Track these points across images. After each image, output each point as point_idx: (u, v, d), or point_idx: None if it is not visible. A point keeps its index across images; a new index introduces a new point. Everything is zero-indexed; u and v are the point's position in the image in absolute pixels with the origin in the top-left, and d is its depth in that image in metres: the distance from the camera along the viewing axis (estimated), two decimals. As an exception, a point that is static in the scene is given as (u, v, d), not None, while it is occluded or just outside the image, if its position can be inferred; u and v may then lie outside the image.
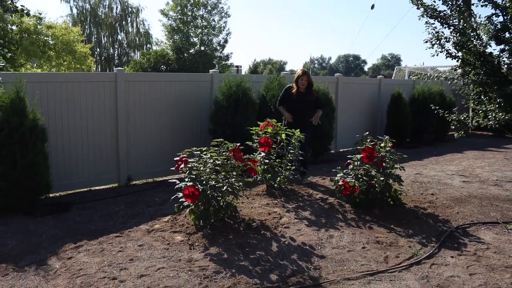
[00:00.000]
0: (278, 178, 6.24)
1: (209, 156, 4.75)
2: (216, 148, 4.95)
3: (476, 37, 4.86)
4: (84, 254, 4.32)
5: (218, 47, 23.28)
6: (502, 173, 7.84)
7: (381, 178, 5.31)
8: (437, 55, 5.25)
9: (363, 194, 5.43)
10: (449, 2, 4.98)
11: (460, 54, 4.94)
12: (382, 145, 5.63)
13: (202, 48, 21.93)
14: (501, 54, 4.96)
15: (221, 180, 4.73)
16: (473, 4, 5.10)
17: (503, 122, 5.32)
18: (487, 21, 5.06)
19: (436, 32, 4.97)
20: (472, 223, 5.22)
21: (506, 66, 4.93)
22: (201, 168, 4.73)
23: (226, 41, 24.26)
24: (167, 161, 7.63)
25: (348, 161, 5.64)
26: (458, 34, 4.88)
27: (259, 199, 5.92)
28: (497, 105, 4.94)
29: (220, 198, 4.76)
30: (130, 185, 7.25)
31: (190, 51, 21.09)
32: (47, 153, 5.79)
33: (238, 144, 5.04)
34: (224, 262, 4.09)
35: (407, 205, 5.77)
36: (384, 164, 5.42)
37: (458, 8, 4.90)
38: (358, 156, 5.40)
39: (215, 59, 22.79)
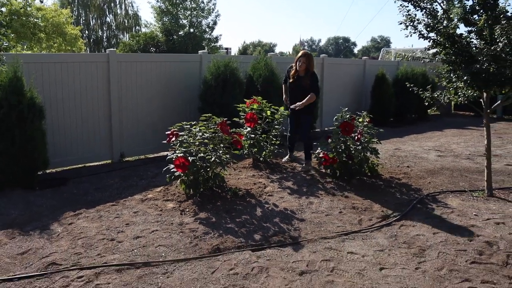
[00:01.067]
0: (264, 152, 6.62)
1: (198, 129, 5.10)
2: (205, 122, 5.30)
3: (446, 19, 5.22)
4: (83, 220, 4.68)
5: (207, 29, 23.45)
6: (475, 148, 8.31)
7: (360, 150, 5.71)
8: (411, 36, 5.61)
9: (342, 166, 5.84)
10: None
11: (431, 35, 5.30)
12: (360, 120, 6.03)
13: (191, 30, 22.05)
14: (470, 35, 5.33)
15: (209, 152, 5.09)
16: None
17: (472, 99, 5.71)
18: (458, 4, 5.41)
19: (409, 15, 5.32)
20: (442, 191, 5.67)
21: (474, 46, 5.30)
22: (191, 141, 5.08)
23: (215, 23, 24.43)
24: (158, 139, 7.95)
25: (329, 135, 6.03)
26: (429, 16, 5.24)
27: (246, 171, 6.31)
28: (464, 83, 5.33)
29: (208, 168, 5.14)
30: (123, 161, 7.58)
31: (179, 33, 21.21)
32: (45, 130, 6.08)
33: (225, 118, 5.39)
34: (212, 225, 4.49)
35: (383, 176, 6.20)
36: (362, 138, 5.82)
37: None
38: (338, 130, 5.79)
39: (204, 41, 22.97)
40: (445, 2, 5.31)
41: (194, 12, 22.13)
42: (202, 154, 5.05)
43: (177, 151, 5.08)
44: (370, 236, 4.33)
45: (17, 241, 4.18)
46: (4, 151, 5.70)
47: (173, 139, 5.17)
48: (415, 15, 5.37)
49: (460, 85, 5.57)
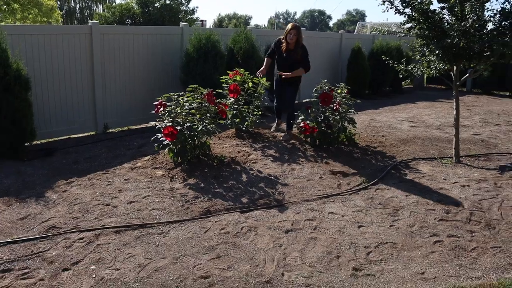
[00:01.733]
0: (246, 123, 6.86)
1: (185, 100, 5.30)
2: (192, 93, 5.51)
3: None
4: (77, 188, 4.88)
5: (183, 1, 23.12)
6: (445, 119, 8.79)
7: (338, 119, 6.03)
8: (387, 11, 5.88)
9: (321, 135, 6.16)
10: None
11: (406, 10, 5.59)
12: (339, 91, 6.33)
13: (167, 2, 21.72)
14: (442, 11, 5.64)
15: (196, 122, 5.31)
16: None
17: (443, 72, 6.08)
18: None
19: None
20: (414, 158, 6.08)
21: (446, 22, 5.62)
22: (178, 111, 5.29)
23: (191, -6, 24.14)
24: (140, 110, 8.13)
25: (308, 105, 6.32)
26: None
27: (229, 140, 6.56)
28: (436, 56, 5.67)
29: (195, 138, 5.37)
30: (107, 132, 7.71)
31: (155, 5, 20.89)
32: (31, 101, 6.16)
33: (211, 89, 5.60)
34: (202, 190, 4.76)
35: (359, 145, 6.57)
36: (340, 108, 6.13)
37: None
38: (318, 101, 6.08)
39: (180, 13, 22.70)
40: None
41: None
42: (189, 124, 5.26)
43: (165, 121, 5.28)
44: (348, 198, 4.69)
45: (15, 207, 4.36)
46: (-8, 123, 5.79)
47: (161, 109, 5.36)
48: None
49: (432, 59, 5.92)
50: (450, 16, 5.67)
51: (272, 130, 7.17)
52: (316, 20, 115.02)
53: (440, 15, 5.64)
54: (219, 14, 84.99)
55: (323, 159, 5.88)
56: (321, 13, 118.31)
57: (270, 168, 5.47)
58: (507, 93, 13.90)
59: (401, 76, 6.44)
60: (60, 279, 3.16)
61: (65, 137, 7.27)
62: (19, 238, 3.73)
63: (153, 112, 5.45)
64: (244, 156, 5.83)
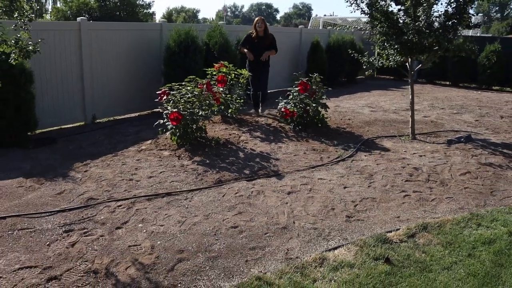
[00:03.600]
0: (230, 110, 7.68)
1: (188, 88, 6.05)
2: (191, 83, 6.26)
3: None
4: (95, 168, 5.52)
5: (139, -5, 23.37)
6: (399, 105, 10.04)
7: (314, 105, 7.01)
8: (354, 11, 6.89)
9: (299, 118, 7.11)
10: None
11: (371, 12, 6.61)
12: (313, 80, 7.29)
13: (124, -5, 21.90)
14: (399, 13, 6.72)
15: (197, 108, 6.08)
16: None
17: (400, 63, 7.18)
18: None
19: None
20: (378, 136, 7.18)
21: (402, 21, 6.70)
22: (184, 99, 6.02)
23: (147, -12, 24.32)
24: (125, 101, 8.73)
25: (288, 92, 7.25)
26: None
27: (218, 125, 7.36)
28: (394, 50, 6.74)
29: (196, 122, 6.13)
30: (95, 123, 8.24)
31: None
32: (34, 93, 6.65)
33: (208, 79, 6.38)
34: (208, 165, 5.56)
35: (331, 126, 7.59)
36: (315, 95, 7.10)
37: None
38: (296, 88, 7.02)
39: (137, 7, 22.90)
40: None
41: (126, -23, 21.91)
42: (191, 110, 6.02)
43: (169, 107, 6.01)
44: (331, 168, 5.67)
45: (48, 185, 4.96)
46: (1, 114, 6.24)
47: (164, 97, 6.08)
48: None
49: (391, 52, 7.00)
50: (405, 17, 6.75)
51: (253, 115, 8.05)
52: (264, 13, 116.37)
53: (397, 16, 6.71)
54: (168, 8, 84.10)
55: (303, 138, 6.83)
56: (268, 6, 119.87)
57: (261, 147, 6.34)
58: (447, 82, 15.52)
59: (365, 67, 7.48)
60: (117, 234, 3.88)
61: (56, 127, 7.74)
62: (66, 207, 4.38)
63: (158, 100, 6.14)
64: (235, 138, 6.67)
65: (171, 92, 6.07)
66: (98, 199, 4.60)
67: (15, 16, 4.40)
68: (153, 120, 8.11)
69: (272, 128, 7.33)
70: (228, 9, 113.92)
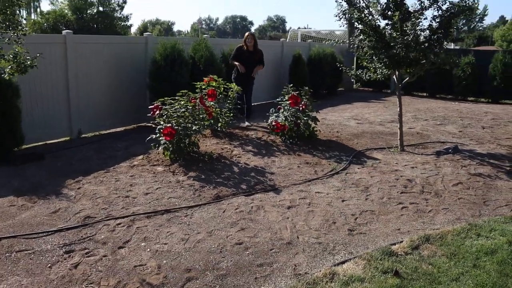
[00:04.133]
0: (220, 124, 7.66)
1: (182, 103, 6.01)
2: (184, 98, 6.21)
3: (369, 14, 6.68)
4: (88, 185, 5.39)
5: (117, 8, 23.13)
6: (383, 117, 10.22)
7: (305, 118, 7.06)
8: (343, 26, 7.01)
9: (290, 131, 7.14)
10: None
11: (360, 26, 6.74)
12: (303, 94, 7.35)
13: (101, 8, 21.65)
14: (386, 27, 6.88)
15: (190, 123, 6.04)
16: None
17: (386, 76, 7.33)
18: (375, 1, 6.90)
19: (344, 10, 6.69)
20: (368, 148, 7.27)
21: (389, 35, 6.84)
22: (177, 114, 5.97)
23: (124, 1, 24.16)
24: (109, 116, 8.61)
25: (279, 106, 7.28)
26: (357, 11, 6.66)
27: (209, 140, 7.32)
28: (382, 64, 6.87)
29: (189, 136, 6.08)
30: (81, 138, 8.08)
31: (89, 12, 20.74)
32: (20, 108, 6.47)
33: (202, 94, 6.35)
34: (204, 180, 5.51)
35: (321, 139, 7.65)
36: (306, 108, 7.16)
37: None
38: (287, 102, 7.06)
39: (114, 20, 22.68)
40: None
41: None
42: (184, 124, 5.97)
43: (162, 122, 5.95)
44: (326, 181, 5.70)
45: (41, 204, 4.81)
46: (-14, 129, 6.05)
47: (157, 112, 6.01)
48: (347, 9, 6.76)
49: (378, 66, 7.14)
50: (392, 31, 6.90)
51: (243, 129, 8.06)
52: (239, 25, 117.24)
53: (385, 30, 6.86)
54: (144, 20, 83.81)
55: (295, 152, 6.86)
56: (243, 18, 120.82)
57: (255, 161, 6.33)
58: (425, 94, 15.92)
59: (353, 80, 7.60)
60: (120, 254, 3.79)
61: (41, 143, 7.54)
62: (64, 227, 4.26)
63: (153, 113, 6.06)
64: (228, 152, 6.64)
65: (164, 107, 6.01)
66: (95, 217, 4.49)
67: (9, 30, 4.31)
68: (140, 135, 8.05)
69: (263, 141, 7.34)
70: (203, 22, 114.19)
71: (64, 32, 7.92)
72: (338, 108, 11.76)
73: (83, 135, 8.19)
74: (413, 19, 6.45)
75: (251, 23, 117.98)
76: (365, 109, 11.52)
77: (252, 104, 12.24)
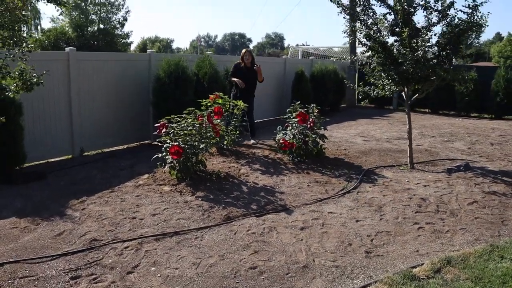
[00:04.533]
0: (226, 141, 7.52)
1: (189, 121, 5.87)
2: (191, 115, 6.09)
3: (377, 30, 6.61)
4: (93, 205, 5.22)
5: (117, 25, 23.19)
6: (390, 134, 10.10)
7: (313, 136, 6.93)
8: (350, 42, 6.92)
9: (298, 149, 7.00)
10: (358, 2, 6.66)
11: (368, 42, 6.66)
12: (310, 111, 7.24)
13: (102, 26, 21.67)
14: (395, 44, 6.80)
15: (197, 141, 5.90)
16: (373, 4, 6.80)
17: (395, 93, 7.23)
18: (383, 18, 6.84)
19: (353, 26, 6.62)
20: (377, 166, 7.13)
21: (397, 52, 6.75)
22: (183, 132, 5.84)
23: (125, 19, 24.26)
24: (112, 134, 8.48)
25: (286, 124, 7.16)
26: (365, 27, 6.58)
27: (215, 158, 7.17)
28: (391, 80, 6.76)
29: (197, 155, 5.93)
30: (83, 155, 7.93)
31: (89, 29, 20.75)
32: (23, 126, 6.34)
33: (210, 111, 6.22)
34: (213, 200, 5.34)
35: (329, 157, 7.51)
36: (314, 126, 7.04)
37: (364, 8, 6.60)
38: (295, 120, 6.93)
39: (115, 37, 22.71)
40: (374, 16, 6.67)
41: (104, 8, 21.78)
42: (191, 142, 5.83)
43: (168, 140, 5.81)
44: (338, 201, 5.54)
45: (44, 226, 4.63)
46: (-12, 147, 5.90)
47: (164, 130, 5.88)
48: (354, 26, 6.69)
49: (387, 82, 7.04)
50: (401, 47, 6.81)
51: (249, 147, 7.94)
52: (237, 43, 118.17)
53: (393, 47, 6.78)
54: (143, 37, 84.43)
55: (304, 170, 6.71)
56: (242, 36, 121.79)
57: (263, 180, 6.18)
58: (427, 110, 15.86)
59: (360, 97, 7.50)
60: (130, 280, 3.60)
61: (43, 161, 7.39)
62: (69, 250, 4.07)
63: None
64: (236, 171, 6.49)
65: (170, 125, 5.88)
66: (102, 240, 4.31)
67: (14, 47, 4.19)
68: (143, 153, 7.91)
69: (270, 160, 7.19)
70: (202, 39, 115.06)
71: (67, 49, 7.84)
72: (343, 125, 11.65)
73: (86, 153, 8.05)
74: (423, 36, 6.37)
75: (250, 40, 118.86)
76: (370, 126, 11.42)
77: (255, 121, 12.26)
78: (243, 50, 8.86)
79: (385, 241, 4.44)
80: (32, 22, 30.68)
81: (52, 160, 7.52)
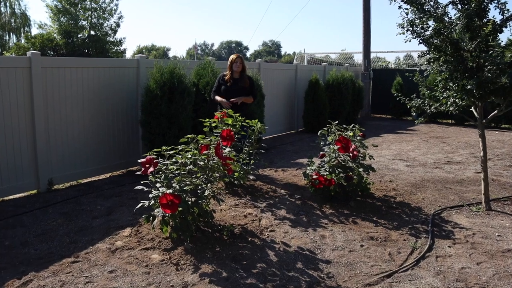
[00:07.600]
0: (236, 174, 5.68)
1: (189, 156, 4.01)
2: (190, 146, 4.23)
3: (449, 24, 4.81)
4: (40, 292, 3.35)
5: (110, 32, 21.22)
6: (434, 156, 8.25)
7: (360, 169, 5.08)
8: (410, 41, 5.14)
9: (339, 187, 5.15)
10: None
11: (435, 40, 4.86)
12: (351, 134, 5.41)
13: (92, 32, 19.77)
14: (470, 44, 4.99)
15: (202, 184, 4.04)
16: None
17: (461, 108, 5.41)
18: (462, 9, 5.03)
19: (410, 19, 4.81)
20: (442, 209, 5.27)
21: (469, 54, 4.97)
22: (176, 172, 3.98)
23: (118, 25, 22.23)
24: (92, 160, 6.67)
25: (322, 152, 5.31)
26: (433, 20, 4.79)
27: (224, 199, 5.32)
28: (465, 91, 4.95)
29: (198, 205, 4.08)
30: (53, 190, 6.12)
31: (79, 36, 18.89)
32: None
33: (218, 140, 4.36)
34: (227, 282, 3.47)
35: (375, 195, 5.66)
36: (358, 155, 5.20)
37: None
38: (335, 147, 5.08)
39: (107, 44, 20.81)
40: (450, 6, 4.88)
41: (95, 13, 19.92)
42: (193, 186, 3.97)
43: (158, 185, 3.96)
44: (414, 275, 3.68)
45: None
46: None
47: (151, 169, 4.01)
48: (416, 19, 4.88)
49: (452, 94, 5.22)
50: (476, 48, 4.99)
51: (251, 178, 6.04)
52: (234, 51, 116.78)
53: (468, 47, 4.96)
54: (139, 46, 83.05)
55: (347, 218, 4.85)
56: (238, 44, 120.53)
57: (296, 238, 4.31)
58: (450, 121, 14.10)
59: (413, 113, 5.69)
60: None
61: (-3, 200, 5.55)
62: None
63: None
64: (255, 222, 4.62)
65: (161, 162, 4.01)
66: None
67: None
68: (129, 186, 6.07)
69: (298, 201, 5.34)
70: (199, 47, 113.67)
71: (28, 53, 5.97)
72: (369, 143, 9.79)
73: (56, 186, 6.22)
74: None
75: (246, 48, 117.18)
76: (403, 144, 9.57)
77: (264, 137, 10.43)
78: (233, 56, 6.56)
79: None
80: (22, 30, 28.83)
81: (8, 198, 5.68)
